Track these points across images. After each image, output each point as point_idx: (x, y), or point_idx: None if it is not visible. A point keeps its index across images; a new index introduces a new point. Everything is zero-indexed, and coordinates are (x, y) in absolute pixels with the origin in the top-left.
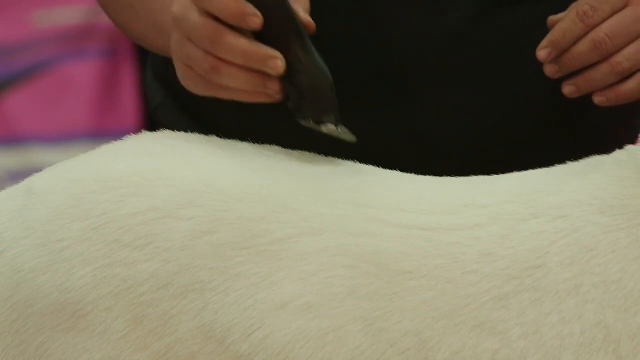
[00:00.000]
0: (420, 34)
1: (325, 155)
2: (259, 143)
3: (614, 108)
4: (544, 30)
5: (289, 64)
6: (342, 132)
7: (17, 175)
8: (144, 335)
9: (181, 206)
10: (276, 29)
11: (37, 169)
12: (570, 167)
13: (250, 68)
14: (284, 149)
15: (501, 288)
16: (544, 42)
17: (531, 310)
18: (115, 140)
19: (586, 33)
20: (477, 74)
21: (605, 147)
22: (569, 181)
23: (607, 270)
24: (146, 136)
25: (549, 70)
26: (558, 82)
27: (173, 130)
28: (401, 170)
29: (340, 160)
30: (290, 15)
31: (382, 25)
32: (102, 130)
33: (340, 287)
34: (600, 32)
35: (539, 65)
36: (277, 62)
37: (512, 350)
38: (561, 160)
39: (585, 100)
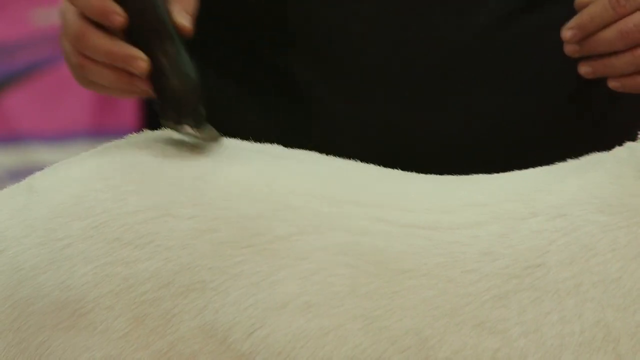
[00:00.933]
0: (447, 35)
1: (326, 155)
2: (254, 141)
3: (631, 116)
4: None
5: (154, 65)
6: (202, 134)
7: (17, 174)
8: (146, 334)
9: (182, 205)
10: (142, 30)
11: (37, 168)
12: (570, 165)
13: (117, 67)
14: (285, 148)
15: (501, 287)
16: (571, 23)
17: (531, 309)
18: (116, 138)
19: (615, 21)
20: (499, 76)
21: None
22: (568, 180)
23: (606, 269)
24: (147, 134)
25: (570, 49)
26: (579, 84)
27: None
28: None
29: (341, 160)
30: (158, 17)
31: (408, 26)
32: (102, 129)
33: (341, 286)
34: (630, 22)
35: (561, 67)
36: (139, 62)
37: (512, 349)
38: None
39: (603, 104)
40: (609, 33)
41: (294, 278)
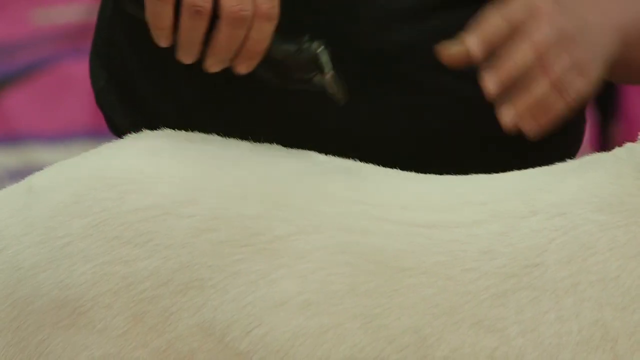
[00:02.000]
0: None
1: (325, 154)
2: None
3: None
4: None
5: None
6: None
7: (17, 174)
8: (144, 332)
9: (181, 204)
10: None
11: (36, 168)
12: (569, 165)
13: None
14: (284, 147)
15: (500, 286)
16: (472, 37)
17: (529, 308)
18: (115, 138)
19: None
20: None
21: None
22: (568, 179)
23: (605, 268)
24: (147, 134)
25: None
26: None
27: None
28: (402, 169)
29: (339, 159)
30: None
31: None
32: (102, 129)
33: (340, 284)
34: (538, 36)
35: None
36: None
37: (510, 348)
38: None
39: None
40: (521, 51)
41: (292, 277)
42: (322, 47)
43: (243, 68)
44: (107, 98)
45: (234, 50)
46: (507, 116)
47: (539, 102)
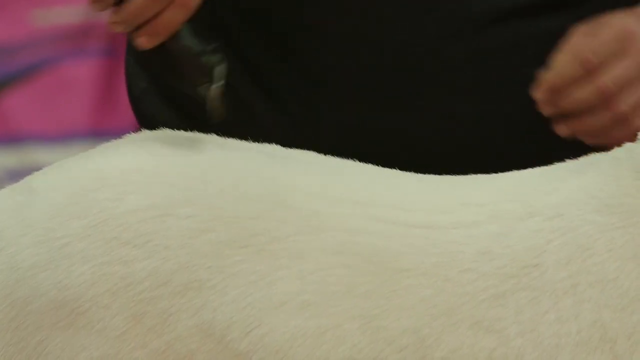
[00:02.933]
0: (421, 35)
1: (324, 154)
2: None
3: None
4: (544, 43)
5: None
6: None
7: (16, 175)
8: (143, 333)
9: (180, 204)
10: None
11: (36, 169)
12: (567, 166)
13: None
14: (283, 147)
15: (498, 287)
16: (542, 84)
17: (528, 309)
18: (115, 138)
19: (584, 78)
20: (475, 81)
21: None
22: (566, 180)
23: (603, 270)
24: (146, 135)
25: (544, 110)
26: None
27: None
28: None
29: (338, 159)
30: None
31: (389, 25)
32: (102, 130)
33: (338, 285)
34: (608, 80)
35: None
36: None
37: (509, 348)
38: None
39: None
40: (585, 93)
41: (291, 277)
42: (222, 60)
43: (142, 41)
44: (149, 100)
45: (142, 19)
46: (561, 130)
47: (594, 129)
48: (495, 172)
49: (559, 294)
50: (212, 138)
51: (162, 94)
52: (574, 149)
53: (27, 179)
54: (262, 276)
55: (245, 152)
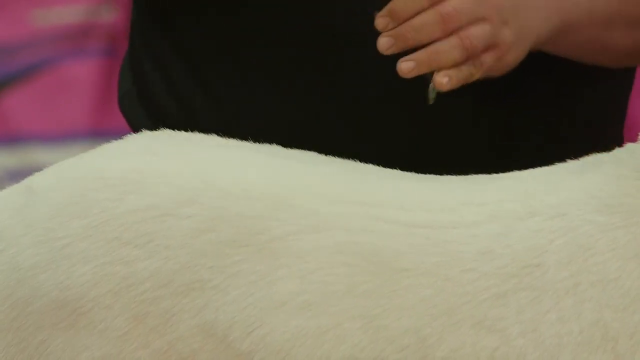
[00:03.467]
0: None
1: (324, 154)
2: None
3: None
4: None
5: None
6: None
7: (17, 175)
8: (145, 333)
9: (181, 204)
10: None
11: (36, 169)
12: (568, 166)
13: None
14: (282, 147)
15: (500, 286)
16: (382, 11)
17: (530, 308)
18: (115, 139)
19: (429, 7)
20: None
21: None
22: (567, 180)
23: (605, 269)
24: (146, 135)
25: (384, 43)
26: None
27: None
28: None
29: (339, 159)
30: None
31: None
32: (102, 130)
33: (339, 285)
34: (449, 5)
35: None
36: None
37: (511, 348)
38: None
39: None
40: (427, 17)
41: (292, 277)
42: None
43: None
44: (129, 101)
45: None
46: (405, 65)
47: (438, 52)
48: (495, 172)
49: (561, 293)
50: (212, 138)
51: (139, 96)
52: (575, 149)
53: (28, 179)
54: (263, 276)
55: (245, 152)
